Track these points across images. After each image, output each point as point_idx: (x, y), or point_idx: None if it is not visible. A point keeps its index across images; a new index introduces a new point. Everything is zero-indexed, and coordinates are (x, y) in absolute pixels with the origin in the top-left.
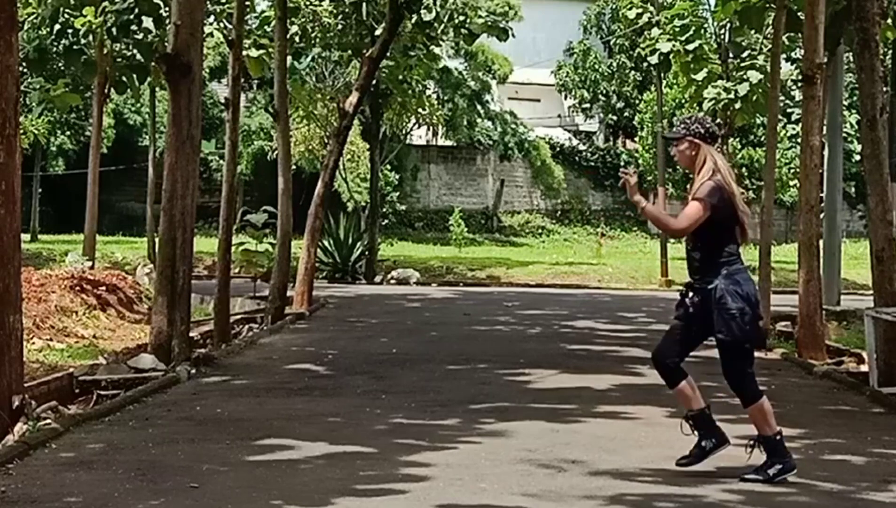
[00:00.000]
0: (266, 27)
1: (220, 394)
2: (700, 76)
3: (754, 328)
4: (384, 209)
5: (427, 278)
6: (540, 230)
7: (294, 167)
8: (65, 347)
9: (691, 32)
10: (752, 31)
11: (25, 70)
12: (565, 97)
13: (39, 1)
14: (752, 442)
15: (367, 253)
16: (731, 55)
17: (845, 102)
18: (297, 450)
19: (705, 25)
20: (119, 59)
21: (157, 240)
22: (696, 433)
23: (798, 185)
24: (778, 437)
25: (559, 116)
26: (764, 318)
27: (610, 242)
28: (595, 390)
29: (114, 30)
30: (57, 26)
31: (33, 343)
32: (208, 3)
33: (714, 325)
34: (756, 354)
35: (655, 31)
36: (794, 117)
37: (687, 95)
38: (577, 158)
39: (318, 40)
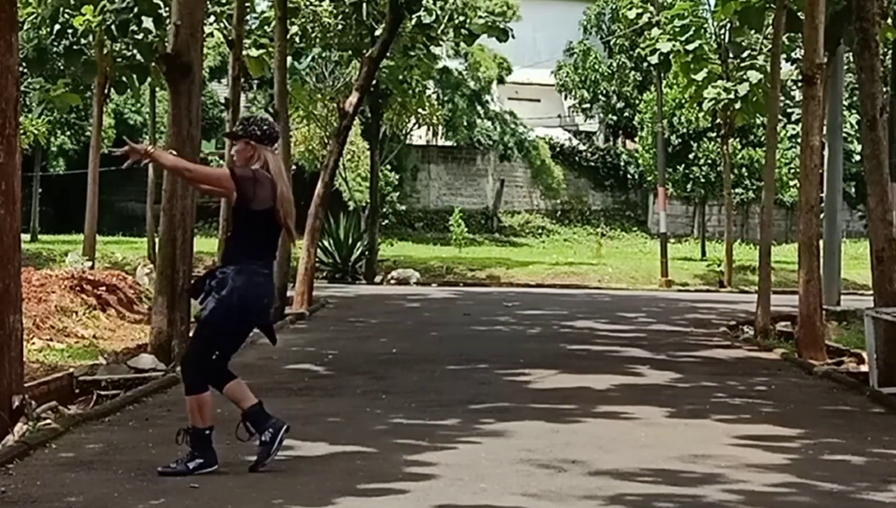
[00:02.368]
0: (266, 27)
1: (221, 394)
2: (700, 76)
3: (228, 325)
4: (384, 209)
5: (427, 278)
6: (540, 230)
7: (294, 167)
8: (65, 347)
9: (691, 32)
10: (752, 31)
11: (25, 70)
12: (565, 97)
13: (39, 1)
14: (181, 432)
15: (367, 253)
16: (731, 55)
17: (845, 102)
18: (298, 450)
19: (705, 25)
20: (119, 60)
21: (157, 240)
22: (253, 432)
23: (798, 185)
24: (207, 432)
25: (559, 116)
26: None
27: (610, 242)
28: (595, 390)
29: (113, 30)
30: (57, 26)
31: (33, 343)
32: (208, 3)
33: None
34: (756, 354)
35: (655, 31)
36: (794, 117)
37: (687, 95)
38: (577, 158)
39: (318, 40)
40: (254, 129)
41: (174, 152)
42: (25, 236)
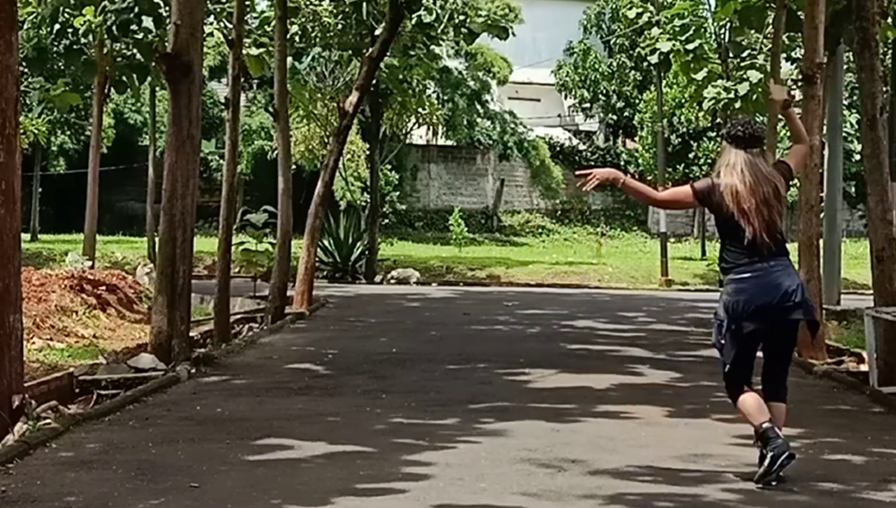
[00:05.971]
0: (266, 27)
1: (220, 394)
2: (700, 76)
3: (726, 339)
4: (384, 209)
5: (427, 277)
6: (540, 230)
7: (294, 167)
8: (65, 347)
9: (691, 32)
10: (752, 31)
11: (25, 70)
12: (565, 97)
13: (39, 1)
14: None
15: (367, 253)
16: (731, 55)
17: (845, 102)
18: (297, 450)
19: (705, 25)
20: (119, 59)
21: (157, 240)
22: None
23: (798, 185)
24: (763, 427)
25: (559, 115)
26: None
27: (610, 242)
28: (595, 390)
29: (114, 29)
30: (57, 26)
31: (33, 343)
32: (208, 3)
33: None
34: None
35: (655, 31)
36: None
37: (687, 95)
38: (577, 158)
39: (318, 40)
40: (727, 129)
41: (635, 176)
42: (25, 236)
